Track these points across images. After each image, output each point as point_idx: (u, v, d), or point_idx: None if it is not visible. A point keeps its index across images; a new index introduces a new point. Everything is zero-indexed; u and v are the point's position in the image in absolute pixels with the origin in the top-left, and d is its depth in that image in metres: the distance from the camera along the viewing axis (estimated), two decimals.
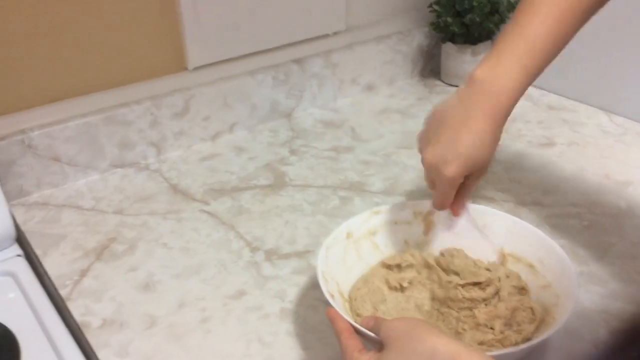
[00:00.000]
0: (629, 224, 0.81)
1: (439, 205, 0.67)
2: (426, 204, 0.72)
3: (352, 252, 0.69)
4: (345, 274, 0.67)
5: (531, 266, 0.66)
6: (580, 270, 0.73)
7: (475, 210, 0.71)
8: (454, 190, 0.65)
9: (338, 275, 0.66)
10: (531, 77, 0.62)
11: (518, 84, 0.61)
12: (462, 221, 0.70)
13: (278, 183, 0.94)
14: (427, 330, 0.49)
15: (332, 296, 0.60)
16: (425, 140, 0.65)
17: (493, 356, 0.51)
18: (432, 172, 0.65)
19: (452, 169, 0.62)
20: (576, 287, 0.59)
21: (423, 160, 0.65)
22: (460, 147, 0.61)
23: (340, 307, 0.60)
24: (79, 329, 0.67)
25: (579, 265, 0.74)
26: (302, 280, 0.74)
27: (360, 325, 0.55)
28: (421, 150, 0.66)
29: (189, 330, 0.67)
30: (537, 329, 0.59)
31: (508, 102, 0.61)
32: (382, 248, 0.71)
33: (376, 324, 0.54)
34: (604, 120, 1.08)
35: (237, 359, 0.63)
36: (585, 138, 1.02)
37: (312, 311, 0.69)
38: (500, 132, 0.63)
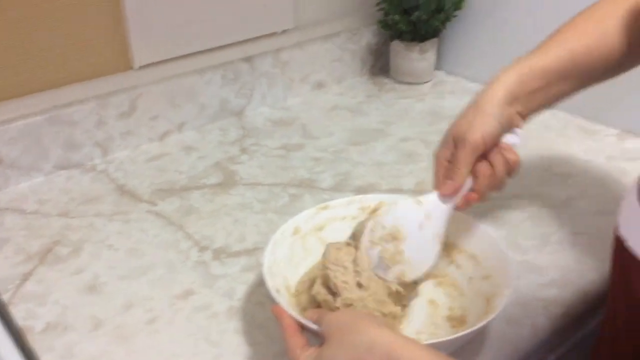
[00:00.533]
0: (568, 214, 0.84)
1: (457, 176, 0.65)
2: (372, 199, 0.73)
3: (299, 247, 0.70)
4: (293, 269, 0.68)
5: (474, 257, 0.68)
6: (521, 259, 0.76)
7: (423, 200, 0.72)
8: (475, 156, 0.64)
9: (285, 271, 0.66)
10: (527, 69, 0.65)
11: (511, 74, 0.64)
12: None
13: (228, 182, 0.93)
14: (366, 322, 0.49)
15: (278, 291, 0.60)
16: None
17: (430, 345, 0.52)
18: (453, 144, 0.66)
19: (473, 137, 0.63)
20: (513, 278, 0.61)
21: None
22: (467, 122, 0.64)
23: (286, 302, 0.60)
24: (22, 333, 0.66)
25: (520, 255, 0.77)
26: (251, 277, 0.74)
27: (305, 319, 0.55)
28: None
29: (135, 331, 0.66)
30: None
31: (499, 91, 0.63)
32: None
33: (319, 316, 0.54)
34: (547, 115, 1.10)
35: (184, 359, 0.63)
36: (528, 133, 1.04)
37: (260, 308, 0.69)
38: (488, 107, 0.63)
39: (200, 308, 0.69)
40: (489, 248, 0.67)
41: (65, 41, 0.91)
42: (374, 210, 0.72)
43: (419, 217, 0.64)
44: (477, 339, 0.64)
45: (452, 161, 0.64)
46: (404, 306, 0.65)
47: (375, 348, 0.46)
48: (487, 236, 0.67)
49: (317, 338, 0.55)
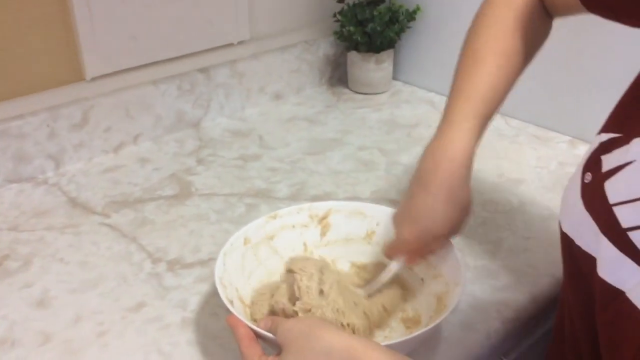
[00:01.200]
0: (520, 220, 0.86)
1: (389, 253, 0.66)
2: (321, 206, 0.73)
3: (250, 257, 0.69)
4: (245, 279, 0.67)
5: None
6: (474, 264, 0.77)
7: (372, 208, 0.73)
8: (407, 248, 0.64)
9: (237, 282, 0.66)
10: (482, 129, 0.64)
11: (473, 151, 0.62)
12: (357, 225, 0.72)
13: (184, 193, 0.92)
14: (323, 328, 0.49)
15: (231, 302, 0.60)
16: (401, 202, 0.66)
17: (387, 346, 0.52)
18: (394, 232, 0.65)
19: (407, 233, 0.62)
20: (464, 275, 0.62)
21: None
22: (414, 212, 0.62)
23: (240, 313, 0.59)
24: None
25: (474, 260, 0.77)
26: (205, 288, 0.73)
27: (258, 327, 0.55)
28: None
29: (85, 345, 0.65)
30: None
31: (462, 162, 0.61)
32: (281, 252, 0.71)
33: (273, 324, 0.54)
34: (501, 123, 1.13)
35: None
36: (482, 141, 1.06)
37: (213, 318, 0.68)
38: (461, 192, 0.62)
39: (152, 320, 0.68)
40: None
41: (14, 52, 0.89)
42: (323, 218, 0.73)
43: None
44: (431, 343, 0.64)
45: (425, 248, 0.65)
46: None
47: (334, 352, 0.46)
48: None
49: (272, 347, 0.54)
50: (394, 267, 0.65)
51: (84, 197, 0.91)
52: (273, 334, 0.53)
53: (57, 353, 0.64)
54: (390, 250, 0.66)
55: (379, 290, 0.66)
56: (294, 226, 0.72)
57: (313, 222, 0.73)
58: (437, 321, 0.57)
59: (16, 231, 0.83)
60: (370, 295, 0.66)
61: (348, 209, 0.74)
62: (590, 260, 0.50)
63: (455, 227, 0.63)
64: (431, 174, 0.61)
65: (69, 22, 0.93)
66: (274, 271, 0.70)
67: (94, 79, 0.98)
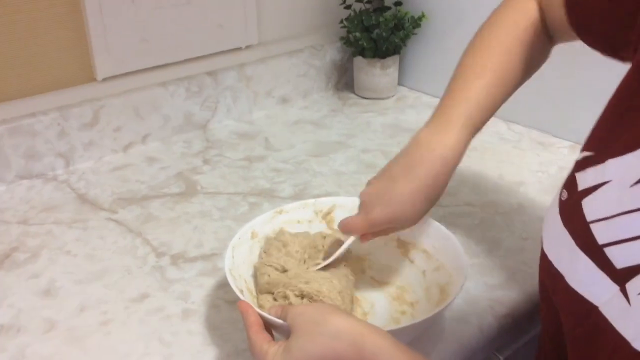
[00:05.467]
0: (518, 221, 0.87)
1: (344, 228, 0.66)
2: (326, 202, 0.75)
3: (257, 251, 0.71)
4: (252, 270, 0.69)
5: (425, 252, 0.71)
6: (471, 262, 0.78)
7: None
8: (368, 228, 0.64)
9: (246, 274, 0.67)
10: (472, 135, 0.65)
11: (461, 147, 0.63)
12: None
13: (189, 191, 0.95)
14: (332, 312, 0.50)
15: (241, 292, 0.62)
16: (369, 181, 0.67)
17: (391, 331, 0.54)
18: (361, 205, 0.66)
19: (377, 214, 0.63)
20: (466, 264, 0.63)
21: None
22: (392, 197, 0.62)
23: (250, 302, 0.61)
24: None
25: (471, 258, 0.79)
26: (207, 281, 0.75)
27: (274, 316, 0.55)
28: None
29: (88, 332, 0.67)
30: None
31: (450, 163, 0.62)
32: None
33: (283, 311, 0.55)
34: (503, 128, 1.15)
35: (135, 358, 0.63)
36: (484, 144, 1.08)
37: (214, 310, 0.70)
38: (440, 192, 0.63)
39: (155, 311, 0.70)
40: (438, 242, 0.69)
41: (27, 53, 0.92)
42: (328, 214, 0.74)
43: None
44: (425, 336, 0.65)
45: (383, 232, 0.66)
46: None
47: (342, 336, 0.48)
48: (437, 230, 0.70)
49: (282, 335, 0.55)
50: (348, 243, 0.66)
51: (93, 194, 0.93)
52: (283, 319, 0.54)
53: (61, 340, 0.66)
54: (351, 224, 0.65)
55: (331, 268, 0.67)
56: (299, 221, 0.74)
57: (317, 218, 0.74)
58: (440, 308, 0.58)
59: (25, 224, 0.86)
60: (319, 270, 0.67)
61: (352, 205, 0.75)
62: (557, 278, 0.50)
63: (418, 220, 0.64)
64: (418, 167, 0.62)
65: (81, 24, 0.96)
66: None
67: (104, 80, 1.00)
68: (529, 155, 1.05)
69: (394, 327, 0.56)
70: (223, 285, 0.74)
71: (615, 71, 0.96)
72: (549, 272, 0.53)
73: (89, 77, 0.99)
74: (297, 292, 0.63)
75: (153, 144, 1.08)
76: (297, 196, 0.93)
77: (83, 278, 0.75)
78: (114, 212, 0.89)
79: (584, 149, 0.52)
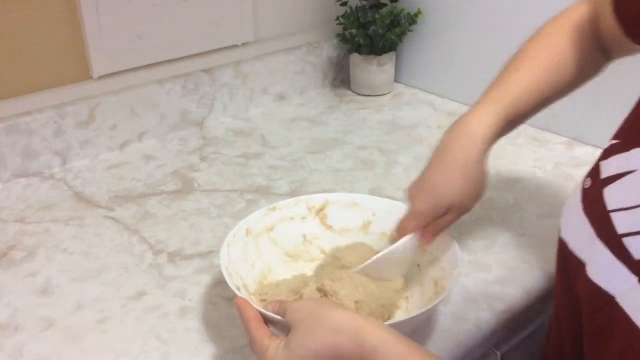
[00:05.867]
0: (515, 217, 0.87)
1: (401, 230, 0.66)
2: (318, 198, 0.75)
3: (252, 248, 0.71)
4: (248, 269, 0.69)
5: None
6: (468, 259, 0.78)
7: (367, 199, 0.75)
8: (418, 221, 0.65)
9: (241, 271, 0.67)
10: (510, 126, 0.66)
11: (495, 133, 0.64)
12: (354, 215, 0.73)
13: (186, 188, 0.95)
14: (332, 307, 0.51)
15: (238, 289, 0.62)
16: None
17: (393, 325, 0.54)
18: (408, 202, 0.66)
19: (418, 203, 0.64)
20: (459, 258, 0.63)
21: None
22: (428, 182, 0.64)
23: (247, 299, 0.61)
24: None
25: (468, 254, 0.79)
26: (204, 279, 0.75)
27: (271, 312, 0.55)
28: None
29: (85, 331, 0.67)
30: None
31: (480, 139, 0.63)
32: (279, 243, 0.73)
33: (281, 307, 0.55)
34: None
35: (133, 356, 0.63)
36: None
37: (211, 307, 0.70)
38: (476, 170, 0.63)
39: (152, 308, 0.70)
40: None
41: (23, 51, 0.92)
42: (321, 210, 0.74)
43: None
44: (422, 332, 0.65)
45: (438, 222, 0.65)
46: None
47: (343, 329, 0.48)
48: None
49: (280, 331, 0.55)
50: (405, 239, 0.65)
51: (89, 192, 0.93)
52: (282, 315, 0.54)
53: (58, 338, 0.66)
54: (403, 224, 0.66)
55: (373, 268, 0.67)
56: (292, 218, 0.74)
57: (311, 214, 0.75)
58: (436, 302, 0.58)
59: (22, 223, 0.85)
60: (366, 270, 0.66)
61: (344, 201, 0.75)
62: (579, 265, 0.51)
63: (467, 201, 0.64)
64: (449, 148, 0.64)
65: (77, 21, 0.95)
66: (273, 263, 0.72)
67: (100, 78, 1.00)
68: (525, 151, 1.05)
69: (391, 321, 0.56)
70: (220, 283, 0.74)
71: (613, 68, 0.96)
72: (569, 260, 0.53)
73: (85, 75, 0.99)
74: (319, 285, 0.63)
75: (149, 141, 1.08)
76: (293, 193, 0.93)
77: (80, 276, 0.75)
78: (110, 210, 0.89)
79: (612, 138, 0.53)
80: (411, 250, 0.66)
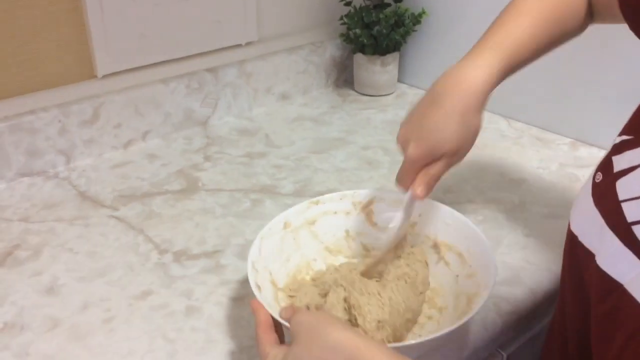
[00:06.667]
0: (521, 218, 0.87)
1: (399, 182, 0.66)
2: (365, 194, 0.74)
3: (289, 241, 0.70)
4: (281, 263, 0.68)
5: (460, 255, 0.68)
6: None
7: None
8: (414, 169, 0.64)
9: (272, 265, 0.66)
10: (508, 69, 0.63)
11: (494, 74, 0.62)
12: (399, 213, 0.69)
13: (190, 188, 0.94)
14: (332, 324, 0.50)
15: (259, 288, 0.60)
16: (401, 123, 0.67)
17: (395, 347, 0.53)
18: (400, 151, 0.65)
19: (412, 149, 0.62)
20: (494, 279, 0.60)
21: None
22: (424, 128, 0.62)
23: (269, 296, 0.61)
24: None
25: None
26: (210, 278, 0.75)
27: (277, 315, 0.55)
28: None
29: (91, 330, 0.67)
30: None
31: (481, 87, 0.61)
32: (321, 237, 0.72)
33: (291, 315, 0.54)
34: (504, 125, 1.15)
35: (140, 355, 0.63)
36: (484, 141, 1.08)
37: (217, 307, 0.70)
38: (474, 118, 0.62)
39: (158, 307, 0.70)
40: (474, 247, 0.67)
41: (27, 50, 0.92)
42: (367, 206, 0.73)
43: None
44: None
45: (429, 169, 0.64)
46: None
47: (339, 349, 0.47)
48: (475, 235, 0.67)
49: (290, 337, 0.54)
50: (406, 197, 0.64)
51: (93, 191, 0.93)
52: (289, 323, 0.53)
53: (64, 337, 0.66)
54: (402, 175, 0.64)
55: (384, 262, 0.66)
56: (335, 212, 0.73)
57: (356, 210, 0.73)
58: (452, 328, 0.55)
59: (27, 222, 0.85)
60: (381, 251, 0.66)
61: (391, 198, 0.73)
62: (589, 257, 0.51)
63: (462, 150, 0.63)
64: (447, 94, 0.61)
65: (82, 20, 0.95)
66: (312, 256, 0.71)
67: (105, 77, 1.00)
68: (529, 152, 1.05)
69: (395, 344, 0.55)
70: (226, 282, 0.74)
71: (616, 68, 0.96)
72: (578, 252, 0.53)
73: (89, 74, 0.99)
74: (347, 294, 0.61)
75: (153, 140, 1.08)
76: (298, 192, 0.93)
77: (85, 275, 0.75)
78: (115, 210, 0.88)
79: (622, 133, 0.53)
80: (413, 208, 0.66)
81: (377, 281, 0.66)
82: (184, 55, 1.08)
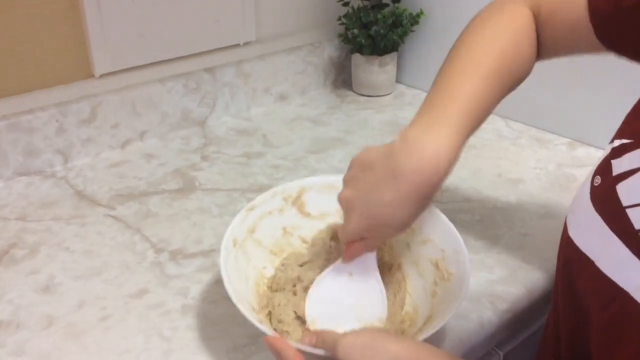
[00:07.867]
0: (518, 217, 0.87)
1: (341, 238, 0.62)
2: (293, 186, 0.72)
3: (241, 258, 0.66)
4: (245, 284, 0.64)
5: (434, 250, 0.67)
6: (471, 258, 0.77)
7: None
8: (351, 238, 0.61)
9: (243, 291, 0.62)
10: (468, 135, 0.58)
11: (457, 148, 0.55)
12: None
13: (187, 187, 0.94)
14: (386, 338, 0.49)
15: (261, 321, 0.57)
16: (346, 181, 0.61)
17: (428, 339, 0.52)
18: (341, 208, 0.60)
19: (355, 224, 0.58)
20: (459, 240, 0.61)
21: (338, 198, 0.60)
22: (374, 205, 0.56)
23: (267, 327, 0.57)
24: None
25: (471, 254, 0.78)
26: (206, 277, 0.75)
27: (309, 345, 0.52)
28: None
29: (87, 328, 0.67)
30: None
31: (445, 171, 0.54)
32: (264, 242, 0.70)
33: (326, 340, 0.52)
34: (501, 125, 1.15)
35: (135, 354, 0.63)
36: (482, 141, 1.08)
37: (213, 306, 0.70)
38: (430, 199, 0.56)
39: (154, 306, 0.70)
40: (451, 247, 0.65)
41: (25, 49, 0.92)
42: (297, 198, 0.72)
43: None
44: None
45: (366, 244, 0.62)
46: None
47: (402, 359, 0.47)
48: (454, 236, 0.66)
49: None
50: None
51: (90, 190, 0.93)
52: (331, 350, 0.50)
53: (60, 335, 0.66)
54: (348, 244, 0.62)
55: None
56: (270, 212, 0.71)
57: (287, 205, 0.72)
58: (461, 300, 0.56)
59: (24, 221, 0.85)
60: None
61: (320, 185, 0.72)
62: (584, 263, 0.51)
63: (402, 230, 0.58)
64: (405, 172, 0.54)
65: (79, 20, 0.95)
66: (261, 264, 0.68)
67: (102, 76, 1.00)
68: (527, 152, 1.05)
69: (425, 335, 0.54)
70: (222, 281, 0.73)
71: (614, 68, 0.96)
72: (574, 258, 0.53)
73: (87, 73, 0.99)
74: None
75: (151, 140, 1.08)
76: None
77: (82, 274, 0.75)
78: (112, 209, 0.88)
79: (619, 137, 0.53)
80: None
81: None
82: (182, 55, 1.08)
